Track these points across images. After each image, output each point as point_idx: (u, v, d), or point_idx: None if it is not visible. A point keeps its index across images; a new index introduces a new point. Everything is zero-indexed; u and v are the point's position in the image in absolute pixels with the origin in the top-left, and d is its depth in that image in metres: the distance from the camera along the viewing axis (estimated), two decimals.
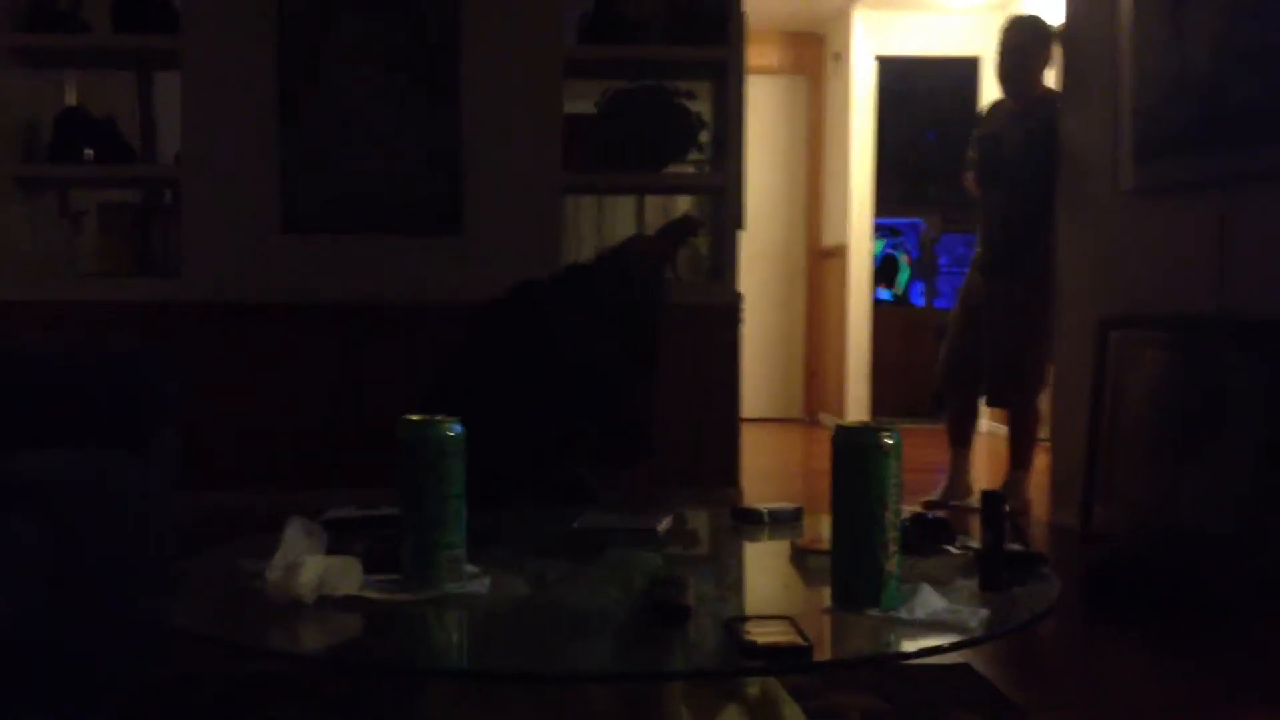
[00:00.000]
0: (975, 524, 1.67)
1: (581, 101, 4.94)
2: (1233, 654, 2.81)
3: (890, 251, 9.69)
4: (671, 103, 4.82)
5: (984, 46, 7.34)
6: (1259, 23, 3.50)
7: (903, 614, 1.43)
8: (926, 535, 1.75)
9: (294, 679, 1.87)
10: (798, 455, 6.76)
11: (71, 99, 5.01)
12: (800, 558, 1.76)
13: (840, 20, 7.63)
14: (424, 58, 4.69)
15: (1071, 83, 4.51)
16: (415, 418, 1.57)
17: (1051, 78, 4.85)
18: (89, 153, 4.68)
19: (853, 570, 1.47)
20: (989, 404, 4.87)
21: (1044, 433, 4.85)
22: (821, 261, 8.09)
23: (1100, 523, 4.05)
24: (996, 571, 1.59)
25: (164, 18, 4.63)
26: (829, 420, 7.84)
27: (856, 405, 7.59)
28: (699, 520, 2.06)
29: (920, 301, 9.81)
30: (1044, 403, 4.77)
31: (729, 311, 4.73)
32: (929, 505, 4.60)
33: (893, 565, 1.46)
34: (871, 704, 2.17)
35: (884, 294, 9.36)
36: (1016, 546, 1.70)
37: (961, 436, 4.81)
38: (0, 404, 2.57)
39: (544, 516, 2.13)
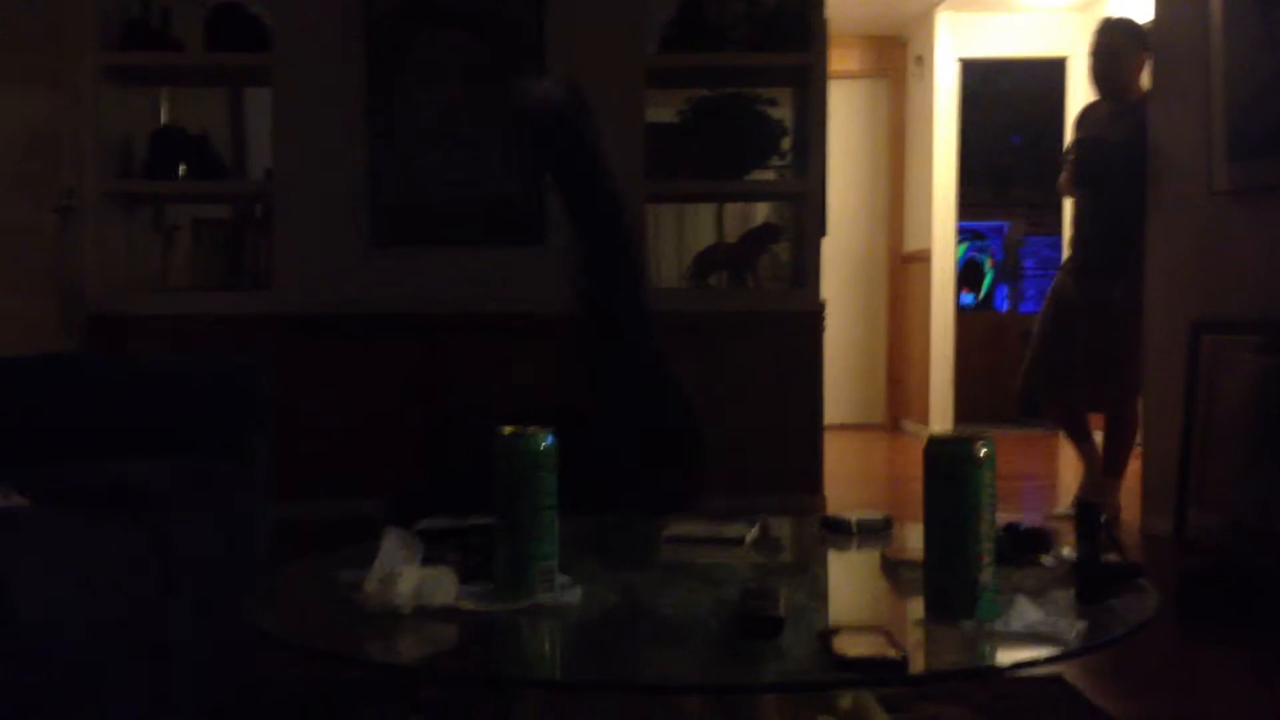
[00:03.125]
0: (1072, 535, 1.65)
1: (664, 110, 4.96)
2: None
3: (974, 255, 9.58)
4: (753, 110, 4.83)
5: (1069, 47, 7.26)
6: None
7: (998, 626, 1.42)
8: (1021, 546, 1.73)
9: (388, 686, 1.90)
10: (881, 462, 6.72)
11: (165, 117, 5.14)
12: (891, 568, 1.75)
13: (923, 23, 7.57)
14: (508, 68, 4.74)
15: (1162, 82, 4.44)
16: (509, 430, 1.59)
17: (1147, 80, 4.77)
18: (183, 169, 4.80)
19: (947, 581, 1.46)
20: (1085, 409, 4.76)
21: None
22: (904, 266, 8.03)
23: (1194, 529, 3.97)
24: (1093, 583, 1.57)
25: (255, 35, 4.73)
26: (912, 427, 7.77)
27: (940, 412, 7.51)
28: (787, 529, 2.06)
29: (1004, 306, 9.69)
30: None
31: (812, 318, 4.71)
32: (1059, 518, 4.51)
33: (987, 576, 1.45)
34: (965, 716, 2.15)
35: (968, 299, 9.27)
36: (1113, 557, 1.67)
37: (1080, 431, 4.71)
38: (104, 411, 2.66)
39: (634, 525, 2.14)
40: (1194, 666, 2.79)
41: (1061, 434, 4.91)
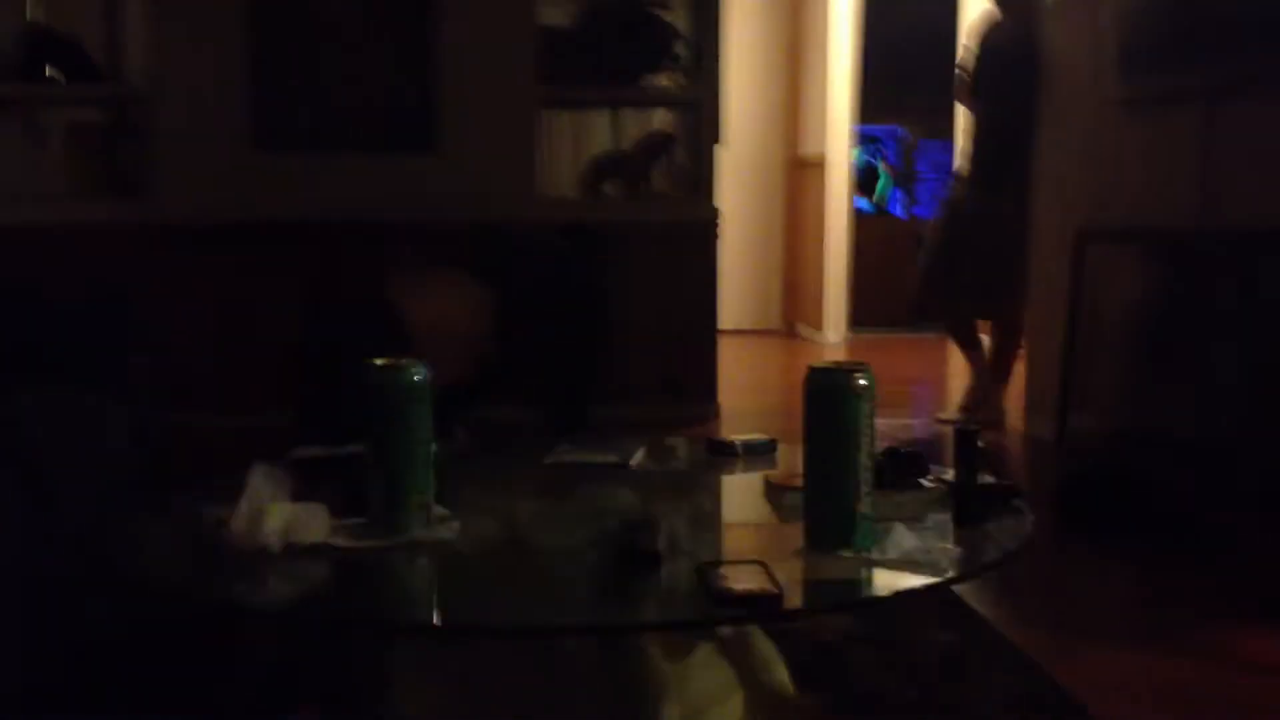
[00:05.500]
0: (952, 454, 1.66)
1: (556, 13, 4.84)
2: (1211, 568, 2.83)
3: (869, 160, 9.60)
4: (646, 14, 4.74)
5: None
6: None
7: (875, 554, 1.43)
8: (901, 469, 1.74)
9: (255, 629, 1.85)
10: (776, 368, 6.76)
11: (32, 15, 4.88)
12: (775, 494, 1.75)
13: None
14: None
15: None
16: (380, 361, 1.54)
17: None
18: (53, 72, 4.57)
19: (826, 512, 1.46)
20: (975, 316, 4.82)
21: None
22: (800, 171, 8.02)
23: (1076, 433, 4.06)
24: (969, 507, 1.59)
25: None
26: (807, 332, 7.83)
27: (835, 316, 7.58)
28: (672, 453, 2.05)
29: (899, 211, 9.75)
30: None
31: (706, 228, 4.69)
32: (946, 422, 4.60)
33: (865, 506, 1.45)
34: (846, 626, 2.17)
35: (863, 203, 9.30)
36: (989, 479, 1.69)
37: (969, 339, 4.78)
38: None
39: (514, 451, 2.12)
40: (1073, 570, 2.86)
41: (951, 340, 4.98)
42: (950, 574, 1.39)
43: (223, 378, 4.55)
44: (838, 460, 1.45)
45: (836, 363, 1.49)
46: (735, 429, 4.56)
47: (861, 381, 1.45)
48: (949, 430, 4.55)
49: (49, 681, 1.88)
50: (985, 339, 4.80)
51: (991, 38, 4.68)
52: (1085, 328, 4.12)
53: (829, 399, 1.45)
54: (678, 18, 4.86)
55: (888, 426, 4.50)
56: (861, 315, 7.70)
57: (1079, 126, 4.24)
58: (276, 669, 1.81)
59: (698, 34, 4.81)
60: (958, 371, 5.20)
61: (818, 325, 7.63)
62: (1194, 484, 3.43)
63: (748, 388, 5.57)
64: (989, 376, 4.67)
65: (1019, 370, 4.69)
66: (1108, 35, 4.03)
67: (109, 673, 1.92)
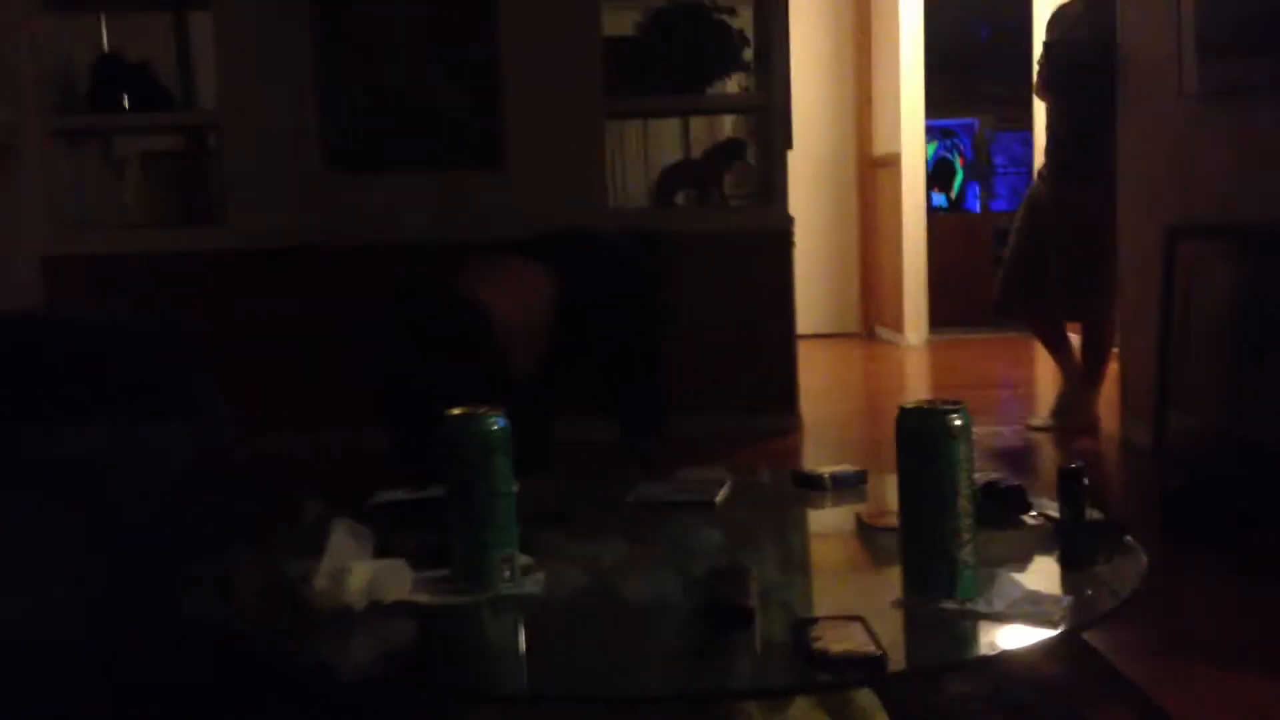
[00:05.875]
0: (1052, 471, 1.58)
1: (621, 23, 4.80)
2: None
3: (944, 154, 9.44)
4: (712, 20, 4.67)
5: None
6: None
7: (980, 606, 1.35)
8: (1001, 506, 1.66)
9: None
10: (857, 374, 6.66)
11: (106, 45, 4.93)
12: (867, 534, 1.68)
13: None
14: None
15: None
16: (458, 411, 1.50)
17: None
18: (124, 100, 4.62)
19: (925, 560, 1.39)
20: (1062, 317, 4.68)
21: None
22: (874, 171, 7.90)
23: (1174, 437, 3.93)
24: (1078, 548, 1.51)
25: None
26: (887, 334, 7.71)
27: (915, 317, 7.44)
28: (758, 488, 1.98)
29: (976, 205, 9.58)
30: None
31: (781, 235, 4.61)
32: (1038, 429, 4.50)
33: (967, 554, 1.38)
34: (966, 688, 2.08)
35: (939, 199, 9.15)
36: (1096, 515, 1.61)
37: (1057, 341, 4.64)
38: (38, 371, 2.57)
39: (597, 488, 2.06)
40: (1178, 586, 2.75)
41: (1038, 342, 4.85)
42: (1063, 626, 1.31)
43: (303, 400, 4.56)
44: (935, 506, 1.38)
45: (929, 401, 1.42)
46: (818, 440, 4.52)
47: (957, 422, 1.38)
48: (1041, 438, 4.44)
49: None
50: (1074, 339, 4.67)
51: (1066, 29, 4.55)
52: (1179, 328, 3.98)
53: (923, 442, 1.38)
54: (743, 22, 4.80)
55: (977, 434, 4.43)
56: (942, 315, 7.55)
57: (1161, 119, 4.10)
58: None
59: (763, 38, 4.74)
60: (1046, 373, 5.07)
61: (898, 327, 7.50)
62: None
63: (829, 394, 5.48)
64: (1080, 380, 4.54)
65: (1112, 372, 4.55)
66: (1186, 22, 3.89)
67: None
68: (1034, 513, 1.68)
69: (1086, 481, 1.53)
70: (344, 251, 4.55)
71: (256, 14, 4.54)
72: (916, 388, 6.16)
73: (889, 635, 1.28)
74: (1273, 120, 3.57)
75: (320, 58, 4.54)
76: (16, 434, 2.22)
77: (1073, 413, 4.51)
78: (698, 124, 5.47)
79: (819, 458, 4.25)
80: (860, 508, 1.81)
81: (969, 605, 1.36)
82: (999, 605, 1.35)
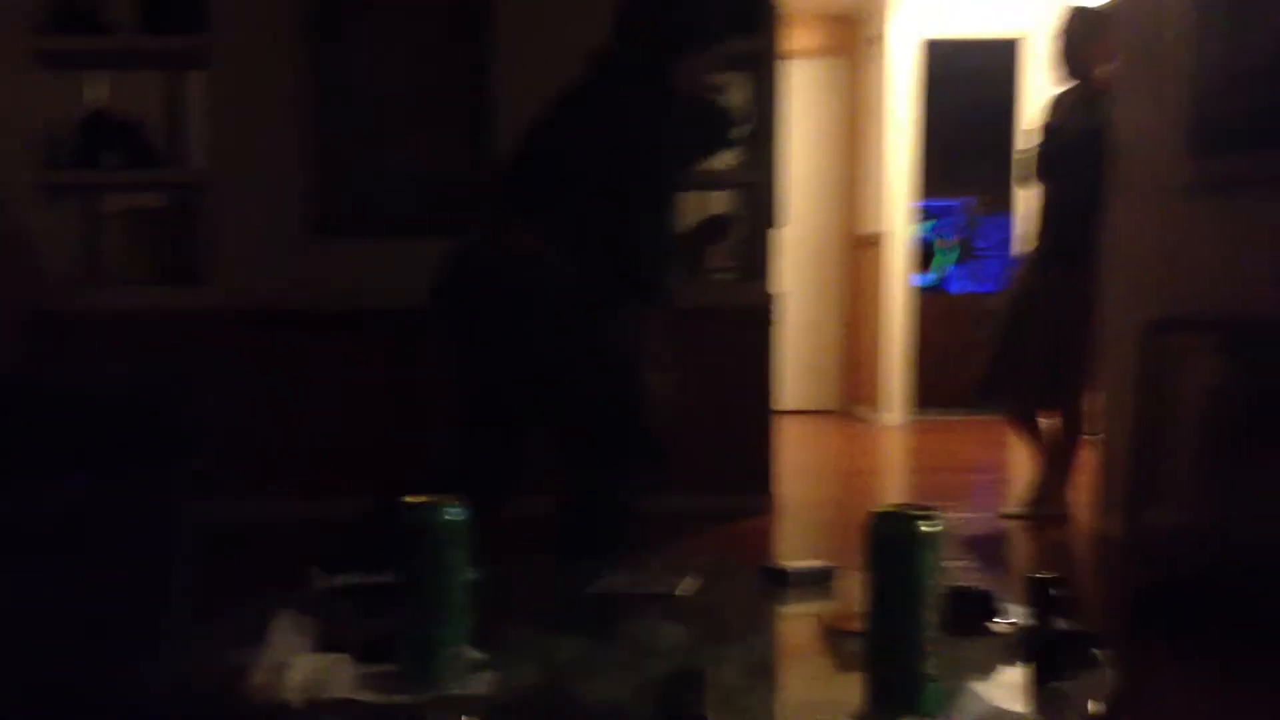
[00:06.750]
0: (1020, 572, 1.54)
1: None
2: None
3: (930, 235, 9.48)
4: (705, 95, 4.68)
5: (1024, 27, 7.18)
6: None
7: None
8: (967, 611, 1.62)
9: None
10: (834, 452, 6.62)
11: (97, 101, 4.93)
12: (832, 637, 1.64)
13: (878, 2, 7.43)
14: (456, 54, 4.58)
15: (1123, 70, 4.32)
16: (415, 500, 1.45)
17: None
18: (112, 158, 4.59)
19: (889, 672, 1.35)
20: (1039, 405, 4.66)
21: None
22: (859, 249, 7.92)
23: (1150, 532, 3.90)
24: (1045, 661, 1.47)
25: (193, 16, 4.52)
26: (866, 413, 7.68)
27: (895, 396, 7.43)
28: (722, 583, 1.94)
29: (960, 286, 9.60)
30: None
31: (762, 313, 4.60)
32: (1010, 517, 4.47)
33: (932, 667, 1.33)
34: None
35: (923, 278, 9.16)
36: (1064, 624, 1.57)
37: (1031, 429, 4.62)
38: (16, 428, 2.51)
39: (559, 574, 2.02)
40: (1151, 684, 2.71)
41: (1012, 429, 4.83)
42: None
43: (284, 466, 4.51)
44: (902, 615, 1.34)
45: (902, 506, 1.38)
46: (792, 522, 4.47)
47: (928, 529, 1.35)
48: (1014, 527, 4.41)
49: None
50: (1047, 424, 4.64)
51: (1060, 116, 4.58)
52: (1159, 422, 3.96)
53: (892, 548, 1.35)
54: (736, 98, 4.81)
55: (951, 522, 4.39)
56: (923, 395, 7.54)
57: (1149, 211, 4.11)
58: None
59: (756, 114, 4.75)
60: (1024, 458, 5.04)
61: (877, 406, 7.49)
62: (1273, 587, 3.27)
63: (805, 474, 5.45)
64: (1053, 469, 4.52)
65: (1087, 462, 4.53)
66: (1177, 115, 3.91)
67: None
68: (1002, 619, 1.64)
69: (1054, 593, 1.49)
70: (330, 316, 4.53)
71: (254, 75, 4.54)
72: (894, 470, 6.13)
73: None
74: (1259, 217, 3.59)
75: (314, 122, 4.54)
76: None
77: (1045, 502, 4.49)
78: (686, 199, 5.46)
79: (791, 542, 4.21)
80: (826, 607, 1.77)
81: None
82: None
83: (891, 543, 1.34)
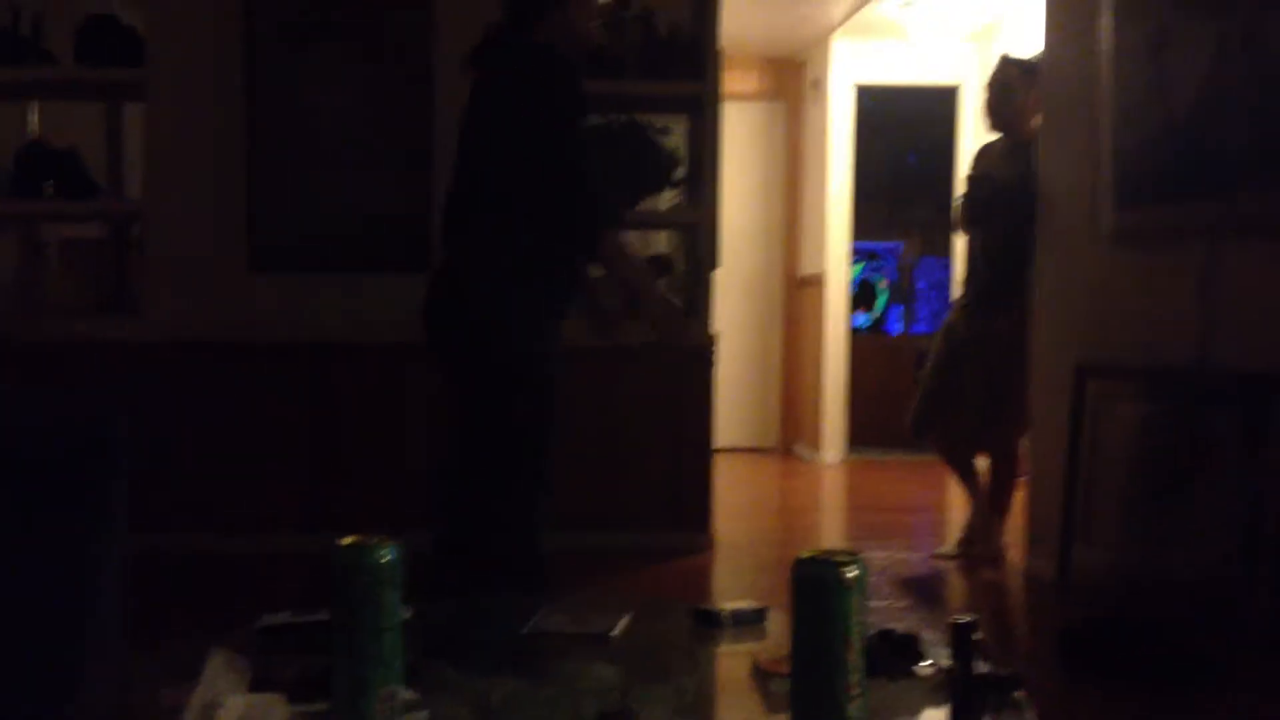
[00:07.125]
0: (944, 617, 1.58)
1: None
2: (1219, 715, 2.73)
3: (868, 276, 9.62)
4: (646, 137, 4.74)
5: (961, 76, 7.33)
6: (1243, 67, 3.43)
7: None
8: (893, 653, 1.66)
9: None
10: (772, 490, 6.67)
11: (35, 130, 4.91)
12: (761, 678, 1.66)
13: (819, 48, 7.56)
14: (397, 90, 4.61)
15: (1050, 122, 4.44)
16: (348, 540, 1.47)
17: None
18: (49, 187, 4.57)
19: (813, 715, 1.37)
20: (973, 446, 4.73)
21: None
22: (798, 290, 8.01)
23: (1078, 572, 3.98)
24: (968, 703, 1.50)
25: (130, 49, 4.52)
26: (804, 451, 7.75)
27: (833, 435, 7.50)
28: (656, 624, 1.96)
29: (897, 327, 9.75)
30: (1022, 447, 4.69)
31: (702, 354, 4.64)
32: (944, 557, 4.53)
33: (856, 709, 1.37)
34: None
35: (861, 319, 9.29)
36: (986, 668, 1.61)
37: (966, 470, 4.69)
38: None
39: (495, 614, 2.03)
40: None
41: (947, 469, 4.90)
42: None
43: (217, 500, 4.49)
44: (826, 659, 1.37)
45: (826, 552, 1.42)
46: (728, 559, 4.50)
47: (851, 574, 1.38)
48: (947, 567, 4.47)
49: None
50: (982, 465, 4.72)
51: (988, 163, 4.68)
52: (1086, 464, 4.05)
53: (816, 592, 1.38)
54: (676, 140, 4.88)
55: (884, 560, 4.45)
56: (860, 434, 7.62)
57: (1076, 258, 4.21)
58: None
59: (696, 157, 4.82)
60: (958, 498, 5.11)
61: (815, 445, 7.56)
62: (1198, 625, 3.35)
63: (743, 512, 5.49)
64: (986, 510, 4.59)
65: (1019, 503, 4.61)
66: (1104, 167, 4.02)
67: None
68: (927, 662, 1.68)
69: (977, 636, 1.53)
70: (262, 349, 4.52)
71: (191, 108, 4.54)
72: (831, 508, 6.19)
73: None
74: (1181, 266, 3.69)
75: (251, 157, 4.54)
76: None
77: (978, 542, 4.55)
78: (630, 238, 5.52)
79: (728, 580, 4.24)
80: (758, 648, 1.80)
81: None
82: None
83: (815, 587, 1.38)
